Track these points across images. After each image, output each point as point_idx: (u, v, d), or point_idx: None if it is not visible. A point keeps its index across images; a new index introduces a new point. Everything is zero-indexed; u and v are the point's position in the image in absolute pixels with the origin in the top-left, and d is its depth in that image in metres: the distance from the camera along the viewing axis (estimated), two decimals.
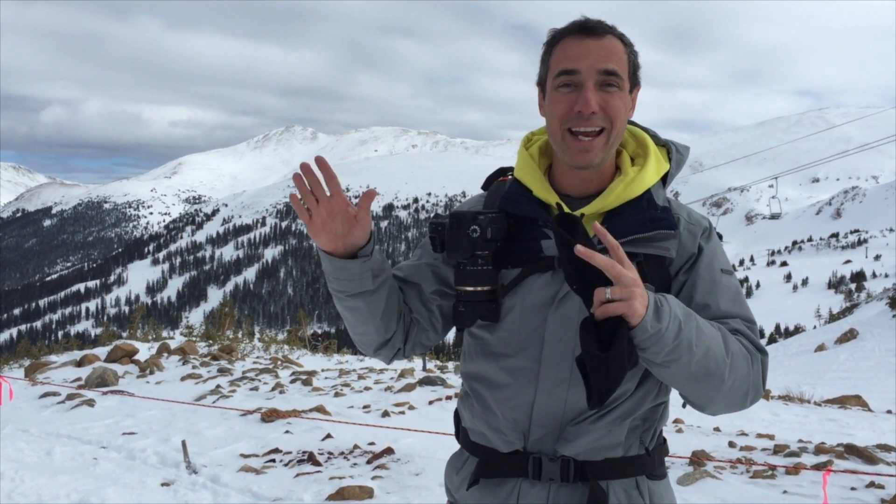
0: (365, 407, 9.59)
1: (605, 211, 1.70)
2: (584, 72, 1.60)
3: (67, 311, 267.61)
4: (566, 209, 1.69)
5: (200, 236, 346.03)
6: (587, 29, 1.62)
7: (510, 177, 1.86)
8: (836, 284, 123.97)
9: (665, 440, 1.82)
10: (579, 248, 1.37)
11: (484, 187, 1.92)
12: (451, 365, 16.71)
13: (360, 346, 1.86)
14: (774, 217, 43.22)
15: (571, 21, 1.66)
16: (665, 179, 1.79)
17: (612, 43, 1.63)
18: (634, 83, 1.70)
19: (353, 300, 1.70)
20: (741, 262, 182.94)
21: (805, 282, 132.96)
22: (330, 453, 7.01)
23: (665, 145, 1.82)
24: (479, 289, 1.68)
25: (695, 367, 1.49)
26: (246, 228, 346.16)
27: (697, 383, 1.54)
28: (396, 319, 1.79)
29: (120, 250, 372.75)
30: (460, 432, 1.87)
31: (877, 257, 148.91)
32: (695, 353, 1.48)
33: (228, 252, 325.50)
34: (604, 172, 1.73)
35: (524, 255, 1.71)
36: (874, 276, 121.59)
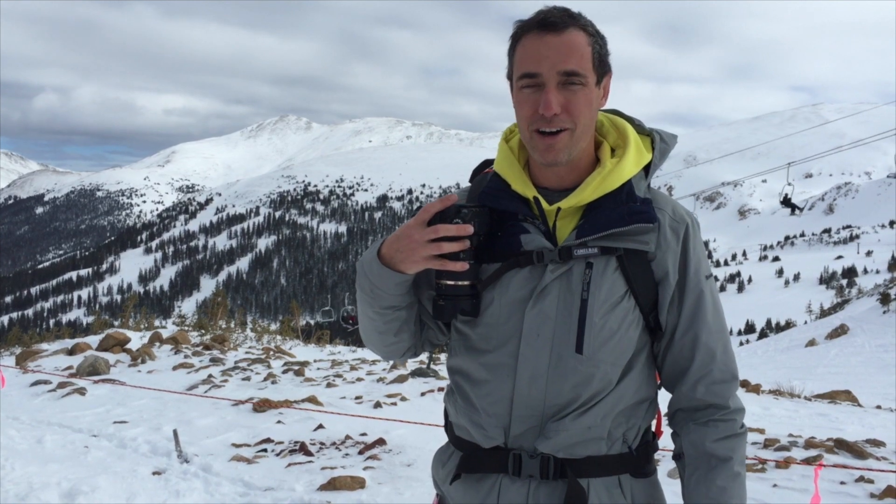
0: (357, 398, 9.59)
1: (583, 204, 1.67)
2: (545, 73, 1.57)
3: (59, 299, 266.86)
4: (544, 203, 1.68)
5: (193, 225, 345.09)
6: (547, 24, 1.58)
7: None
8: (827, 280, 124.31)
9: (655, 436, 1.79)
10: None
11: (471, 180, 1.89)
12: (443, 357, 16.73)
13: (387, 357, 1.90)
14: (794, 208, 39.29)
15: (535, 12, 1.62)
16: (648, 170, 1.74)
17: (574, 37, 1.58)
18: (604, 72, 1.65)
19: (396, 312, 1.74)
20: (734, 257, 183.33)
21: (797, 277, 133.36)
22: (322, 444, 7.01)
23: (649, 134, 1.77)
24: (459, 283, 1.66)
25: None
26: (239, 218, 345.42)
27: None
28: (418, 325, 1.84)
29: (112, 239, 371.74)
30: (447, 426, 1.87)
31: (868, 253, 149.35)
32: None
33: (221, 241, 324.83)
34: (581, 165, 1.70)
35: (503, 249, 1.68)
36: (865, 272, 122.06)
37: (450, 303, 1.68)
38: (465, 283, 1.66)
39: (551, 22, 1.58)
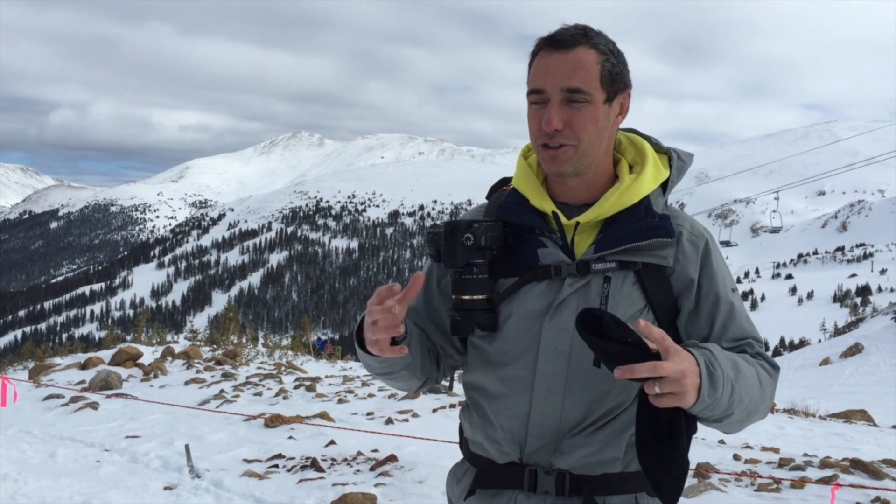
0: (368, 414, 9.58)
1: (601, 219, 1.70)
2: (549, 90, 1.60)
3: (72, 313, 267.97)
4: (562, 217, 1.70)
5: (206, 241, 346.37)
6: (555, 42, 1.61)
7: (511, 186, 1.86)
8: (841, 298, 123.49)
9: None
10: (641, 325, 1.36)
11: (487, 197, 1.92)
12: (455, 374, 16.69)
13: (404, 392, 1.93)
14: (775, 231, 44.73)
15: (550, 32, 1.65)
16: (665, 187, 1.77)
17: (581, 55, 1.60)
18: (616, 89, 1.66)
19: (398, 373, 1.76)
20: (746, 275, 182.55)
21: (810, 295, 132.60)
22: (333, 460, 7.00)
23: (667, 153, 1.80)
24: (475, 297, 1.68)
25: (742, 414, 1.56)
26: (251, 233, 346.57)
27: (737, 424, 1.60)
28: (430, 360, 1.84)
29: (126, 253, 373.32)
30: (462, 443, 1.87)
31: (882, 271, 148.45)
32: (744, 402, 1.54)
33: (234, 257, 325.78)
34: (599, 181, 1.72)
35: (521, 263, 1.70)
36: (880, 290, 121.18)
37: (466, 317, 1.69)
38: (482, 297, 1.68)
39: (559, 40, 1.61)
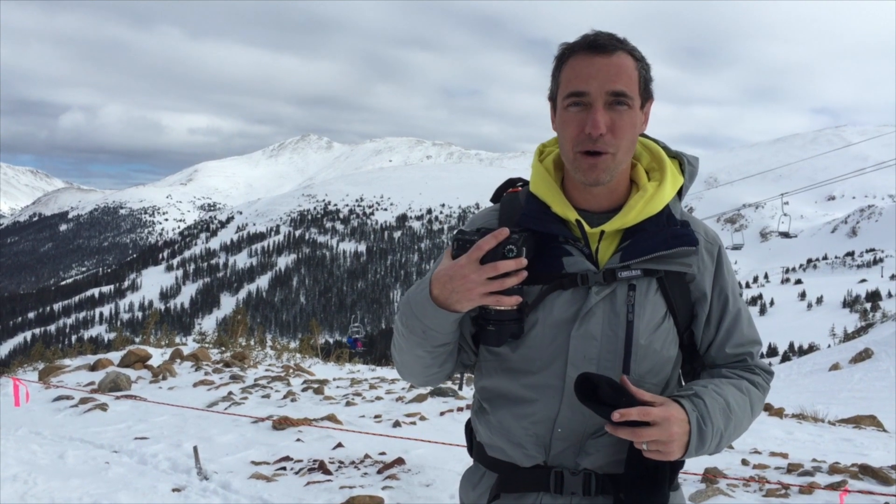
0: (376, 417, 9.58)
1: (626, 227, 1.70)
2: (594, 93, 1.59)
3: (81, 315, 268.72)
4: (586, 226, 1.69)
5: (214, 243, 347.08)
6: (596, 46, 1.60)
7: (520, 187, 1.85)
8: (851, 303, 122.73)
9: None
10: (616, 416, 1.50)
11: (494, 199, 1.89)
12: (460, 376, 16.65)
13: (427, 384, 1.90)
14: (785, 235, 46.55)
15: (582, 36, 1.64)
16: (680, 193, 1.79)
17: (622, 60, 1.61)
18: (647, 97, 1.68)
19: (447, 346, 1.72)
20: (755, 279, 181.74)
21: (820, 300, 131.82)
22: (341, 462, 7.01)
23: (676, 157, 1.81)
24: (508, 307, 1.67)
25: (728, 443, 1.69)
26: (260, 236, 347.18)
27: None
28: (455, 352, 1.82)
29: (135, 256, 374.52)
30: (474, 447, 1.85)
31: (892, 277, 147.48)
32: (731, 441, 1.69)
33: (242, 260, 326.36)
34: (618, 187, 1.72)
35: (545, 272, 1.69)
36: (889, 295, 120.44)
37: (498, 327, 1.66)
38: (514, 307, 1.67)
39: (601, 44, 1.61)
